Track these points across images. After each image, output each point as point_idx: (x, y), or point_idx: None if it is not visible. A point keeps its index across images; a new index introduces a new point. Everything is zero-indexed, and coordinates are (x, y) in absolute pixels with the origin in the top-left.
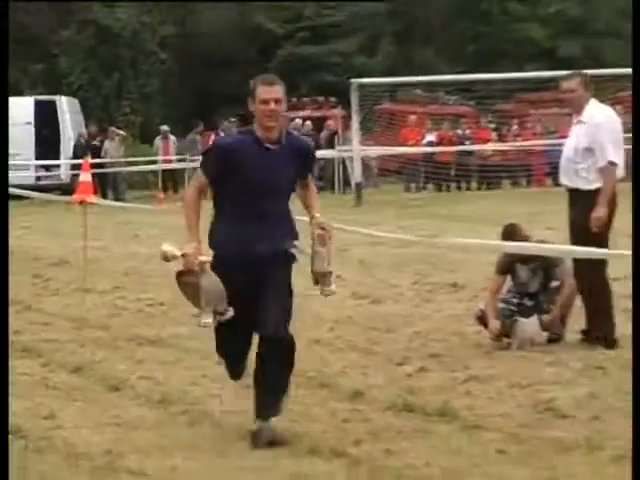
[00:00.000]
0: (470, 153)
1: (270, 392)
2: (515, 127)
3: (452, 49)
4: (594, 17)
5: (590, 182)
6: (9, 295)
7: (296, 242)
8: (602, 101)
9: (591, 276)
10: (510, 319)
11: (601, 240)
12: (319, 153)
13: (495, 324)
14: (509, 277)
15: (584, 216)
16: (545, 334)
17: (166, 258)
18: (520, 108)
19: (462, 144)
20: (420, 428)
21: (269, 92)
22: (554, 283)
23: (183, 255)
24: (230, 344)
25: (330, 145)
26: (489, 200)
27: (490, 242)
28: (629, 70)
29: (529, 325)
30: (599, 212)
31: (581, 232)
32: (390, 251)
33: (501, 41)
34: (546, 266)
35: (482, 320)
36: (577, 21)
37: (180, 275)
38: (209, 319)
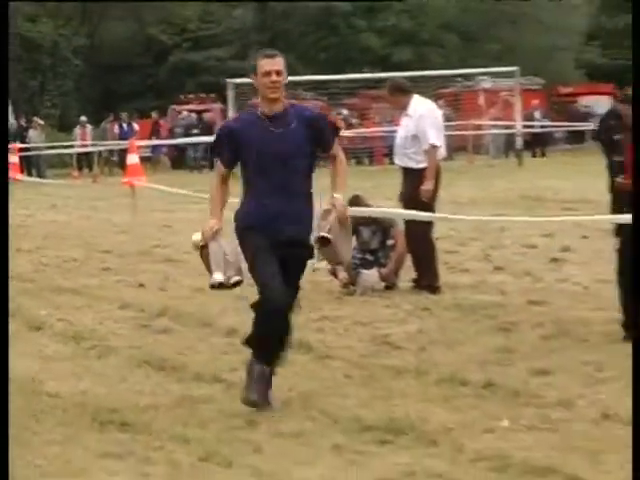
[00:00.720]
0: None
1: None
2: (357, 119)
3: (309, 55)
4: (422, 29)
5: (418, 162)
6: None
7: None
8: (428, 96)
9: (419, 236)
10: (355, 271)
11: (428, 208)
12: (201, 139)
13: (343, 275)
14: (354, 237)
15: (414, 189)
16: (383, 283)
17: (197, 246)
18: (363, 102)
19: None
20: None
21: (271, 64)
22: (390, 242)
23: (202, 232)
24: (265, 269)
25: (210, 132)
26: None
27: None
28: (449, 72)
29: (370, 276)
30: (427, 185)
31: (412, 201)
32: None
33: (347, 49)
34: (383, 228)
35: (333, 272)
36: (408, 33)
37: (202, 249)
38: (219, 277)
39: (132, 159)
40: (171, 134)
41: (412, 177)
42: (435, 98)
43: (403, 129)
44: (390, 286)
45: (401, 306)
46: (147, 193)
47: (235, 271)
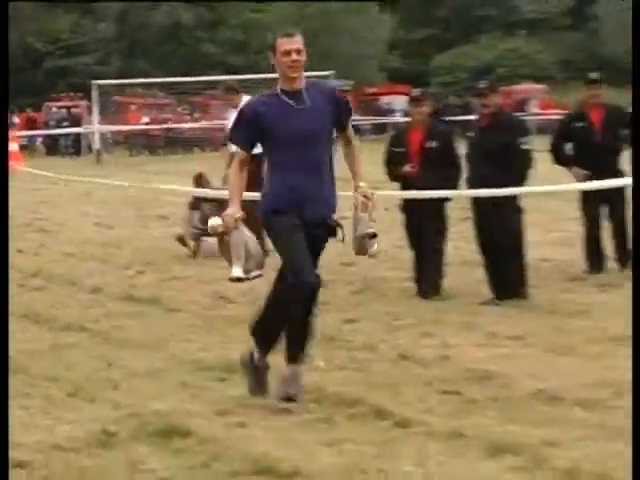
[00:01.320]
0: (170, 129)
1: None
2: (200, 113)
3: (161, 61)
4: (254, 40)
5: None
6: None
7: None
8: (252, 94)
9: (254, 210)
10: (199, 239)
11: (258, 185)
12: (70, 130)
13: (190, 243)
14: (197, 211)
15: (251, 171)
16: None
17: (215, 231)
18: (205, 100)
19: (166, 123)
20: (139, 311)
21: (290, 42)
22: None
23: (223, 219)
24: (298, 254)
25: (78, 125)
26: (185, 161)
27: (183, 188)
28: (275, 75)
29: (211, 244)
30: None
31: (250, 181)
32: (120, 194)
33: (192, 56)
34: (222, 203)
35: (181, 240)
36: (241, 43)
37: (222, 237)
38: (238, 273)
39: (12, 147)
40: (46, 126)
41: (257, 161)
42: None
43: None
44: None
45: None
46: (25, 176)
47: (256, 264)
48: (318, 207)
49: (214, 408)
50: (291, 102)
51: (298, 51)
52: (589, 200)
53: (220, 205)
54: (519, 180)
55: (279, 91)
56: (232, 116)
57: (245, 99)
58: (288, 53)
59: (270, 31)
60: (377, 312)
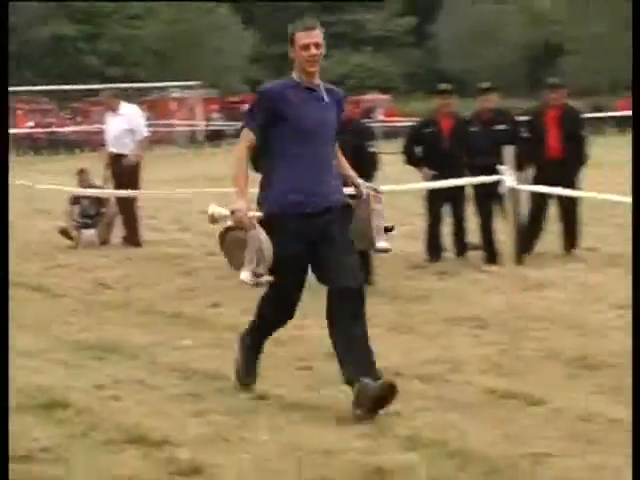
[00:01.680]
0: (53, 132)
1: (361, 347)
2: (81, 118)
3: (46, 71)
4: (130, 52)
5: (131, 150)
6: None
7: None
8: (134, 103)
9: (128, 205)
10: (79, 231)
11: (135, 185)
12: None
13: (73, 234)
14: (76, 206)
15: (129, 169)
16: (99, 240)
17: (214, 220)
18: (85, 106)
19: (49, 127)
20: (24, 297)
21: (309, 36)
22: (103, 210)
23: (232, 212)
24: (274, 307)
25: None
26: (66, 161)
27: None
28: (149, 85)
29: (89, 235)
30: (138, 157)
31: (126, 179)
32: (23, 192)
33: (74, 67)
34: (99, 198)
35: (64, 232)
36: (119, 54)
37: (227, 231)
38: (248, 277)
39: None
40: None
41: (122, 162)
42: (139, 104)
43: (117, 125)
44: (104, 242)
45: (112, 256)
46: None
47: (266, 268)
48: (331, 195)
49: (92, 383)
50: (308, 95)
51: (317, 45)
52: (433, 198)
53: (97, 200)
54: (367, 179)
55: (297, 82)
56: (109, 120)
57: (125, 105)
58: (307, 47)
59: (145, 44)
60: (239, 297)
